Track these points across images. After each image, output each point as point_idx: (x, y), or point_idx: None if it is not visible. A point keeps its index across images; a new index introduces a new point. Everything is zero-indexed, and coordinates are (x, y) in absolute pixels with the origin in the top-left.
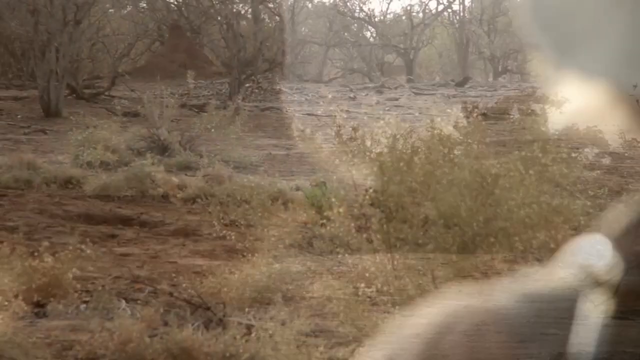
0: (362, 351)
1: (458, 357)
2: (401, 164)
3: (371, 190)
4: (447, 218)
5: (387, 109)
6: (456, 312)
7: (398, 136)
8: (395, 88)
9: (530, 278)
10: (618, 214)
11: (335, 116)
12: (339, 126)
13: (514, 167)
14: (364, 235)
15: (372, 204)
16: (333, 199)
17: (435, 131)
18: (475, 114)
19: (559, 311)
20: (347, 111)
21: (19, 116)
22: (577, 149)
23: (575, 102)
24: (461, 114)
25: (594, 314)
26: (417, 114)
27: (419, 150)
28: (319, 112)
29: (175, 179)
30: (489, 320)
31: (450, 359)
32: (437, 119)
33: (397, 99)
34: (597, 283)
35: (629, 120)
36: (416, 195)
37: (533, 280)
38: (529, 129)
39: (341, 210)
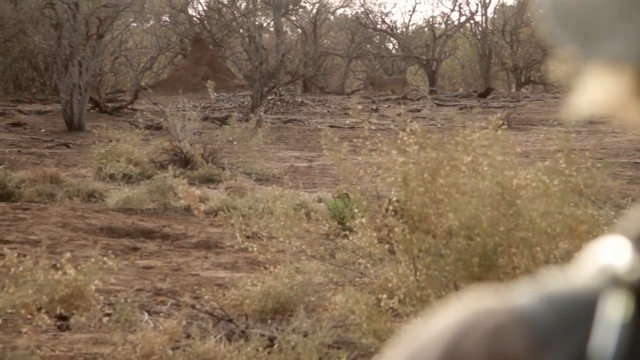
0: (382, 353)
1: (478, 357)
2: (425, 175)
3: (394, 201)
4: (469, 229)
5: (409, 120)
6: (476, 314)
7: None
8: (418, 99)
9: (550, 279)
10: (639, 216)
11: (357, 127)
12: (362, 137)
13: (537, 178)
14: (386, 246)
15: (394, 215)
16: (355, 210)
17: (458, 140)
18: (497, 125)
19: (579, 312)
20: (369, 122)
21: (42, 130)
22: (601, 159)
23: (598, 98)
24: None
25: (614, 314)
26: (439, 125)
27: (442, 160)
28: (341, 124)
29: (197, 191)
30: (509, 322)
31: (471, 359)
32: (459, 130)
33: (419, 110)
34: (617, 284)
35: None
36: (439, 206)
37: (553, 281)
38: (553, 140)
39: (363, 221)
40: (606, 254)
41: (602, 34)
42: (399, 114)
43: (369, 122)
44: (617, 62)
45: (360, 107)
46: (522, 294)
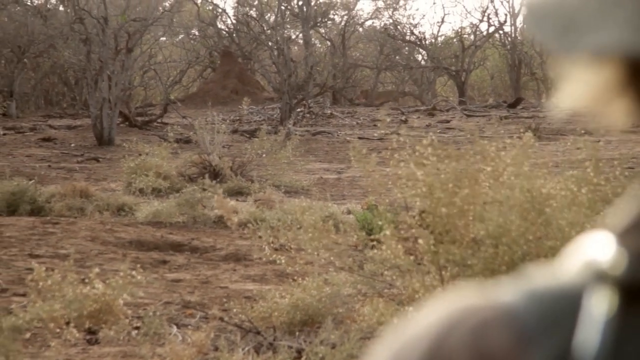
0: (369, 348)
1: (462, 353)
2: (450, 185)
3: (421, 212)
4: (496, 238)
5: (438, 131)
6: (461, 311)
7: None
8: (447, 110)
9: (535, 275)
10: (624, 210)
11: (385, 139)
12: (391, 149)
13: (565, 187)
14: (413, 257)
15: (421, 225)
16: (383, 222)
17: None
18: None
19: (563, 308)
20: (398, 134)
21: (72, 145)
22: (632, 168)
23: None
24: (512, 135)
25: (598, 310)
26: (468, 136)
27: (467, 170)
28: (370, 135)
29: (231, 202)
30: (494, 318)
31: (455, 356)
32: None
33: (448, 121)
34: (601, 279)
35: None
36: (466, 215)
37: (538, 277)
38: (582, 149)
39: (387, 232)
40: (591, 249)
41: (583, 27)
42: (428, 125)
43: (398, 134)
44: (599, 55)
45: (389, 119)
46: (506, 291)
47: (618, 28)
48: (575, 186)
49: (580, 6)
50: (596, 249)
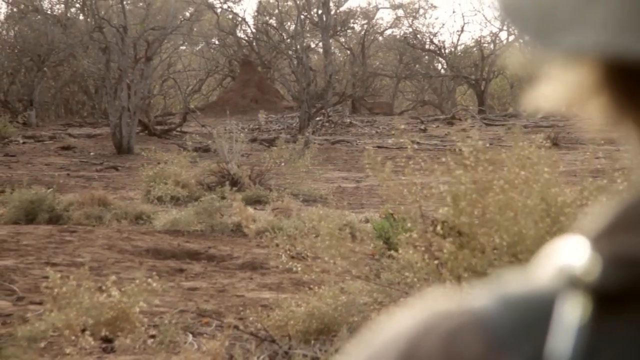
0: (342, 353)
1: (435, 359)
2: (473, 195)
3: (441, 221)
4: (514, 246)
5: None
6: (433, 316)
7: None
8: (467, 119)
9: (508, 281)
10: (599, 215)
11: (403, 147)
12: (405, 157)
13: (581, 195)
14: (430, 266)
15: (440, 234)
16: (400, 230)
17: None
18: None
19: (536, 314)
20: (418, 142)
21: (91, 153)
22: None
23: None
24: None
25: (571, 316)
26: (488, 145)
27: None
28: (390, 144)
29: (250, 209)
30: (467, 324)
31: None
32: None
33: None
34: (575, 285)
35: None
36: (486, 224)
37: (511, 282)
38: (601, 158)
39: (414, 235)
40: (565, 254)
41: (560, 26)
42: (447, 134)
43: (411, 142)
44: (576, 55)
45: (407, 127)
46: (479, 296)
47: (595, 28)
48: (591, 195)
49: (557, 4)
50: (570, 254)
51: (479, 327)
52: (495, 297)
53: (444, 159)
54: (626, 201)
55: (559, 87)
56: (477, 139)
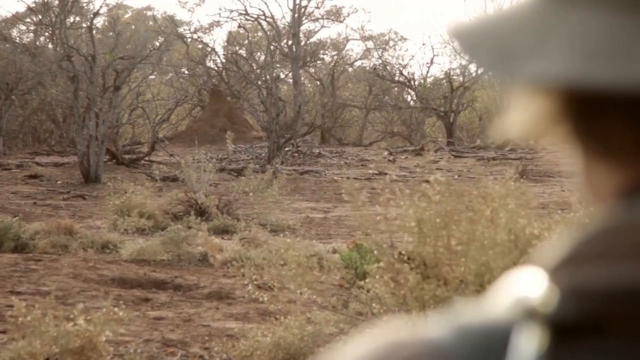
0: None
1: None
2: (437, 220)
3: (408, 250)
4: (480, 277)
5: (426, 171)
6: (390, 346)
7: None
8: (435, 151)
9: (465, 311)
10: (555, 247)
11: (373, 179)
12: (376, 189)
13: (549, 227)
14: (396, 296)
15: (407, 264)
16: (369, 260)
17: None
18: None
19: (493, 344)
20: (385, 173)
21: (58, 182)
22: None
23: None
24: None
25: (528, 347)
26: (456, 177)
27: (458, 209)
28: (358, 175)
29: (216, 240)
30: (423, 353)
31: None
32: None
33: (436, 162)
34: (531, 316)
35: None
36: (452, 255)
37: (468, 313)
38: (569, 191)
39: (382, 264)
40: (521, 285)
41: (518, 56)
42: (416, 165)
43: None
44: (535, 84)
45: (378, 157)
46: (435, 326)
47: (551, 57)
48: (557, 227)
49: (515, 34)
50: (527, 285)
51: (434, 357)
52: (451, 327)
53: (409, 191)
54: (583, 233)
55: (522, 117)
56: (443, 172)
